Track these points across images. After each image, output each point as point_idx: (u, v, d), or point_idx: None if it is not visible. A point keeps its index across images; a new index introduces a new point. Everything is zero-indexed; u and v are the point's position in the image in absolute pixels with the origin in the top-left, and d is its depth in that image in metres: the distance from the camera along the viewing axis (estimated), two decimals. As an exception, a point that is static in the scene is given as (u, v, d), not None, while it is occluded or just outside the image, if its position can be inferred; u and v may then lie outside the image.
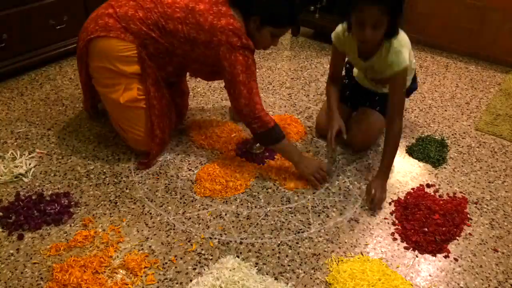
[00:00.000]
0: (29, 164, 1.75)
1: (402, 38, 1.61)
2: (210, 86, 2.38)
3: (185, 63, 1.74)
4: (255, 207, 1.62)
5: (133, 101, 1.69)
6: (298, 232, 1.52)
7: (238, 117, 1.77)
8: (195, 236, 1.49)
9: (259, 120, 1.63)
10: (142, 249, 1.44)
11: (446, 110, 2.28)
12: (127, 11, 1.63)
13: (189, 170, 1.78)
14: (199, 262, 1.40)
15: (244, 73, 1.60)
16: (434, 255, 1.46)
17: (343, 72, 1.95)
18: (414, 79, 1.95)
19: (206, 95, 2.31)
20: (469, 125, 2.17)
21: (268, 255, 1.43)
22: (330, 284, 1.34)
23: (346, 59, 1.85)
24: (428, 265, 1.43)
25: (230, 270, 1.34)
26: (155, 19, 1.61)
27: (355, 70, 1.96)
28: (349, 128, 1.84)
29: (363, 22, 1.48)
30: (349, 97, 1.97)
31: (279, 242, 1.48)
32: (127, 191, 1.67)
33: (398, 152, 1.91)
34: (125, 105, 1.68)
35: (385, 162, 1.66)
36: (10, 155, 1.80)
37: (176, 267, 1.38)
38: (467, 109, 2.30)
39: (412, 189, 1.73)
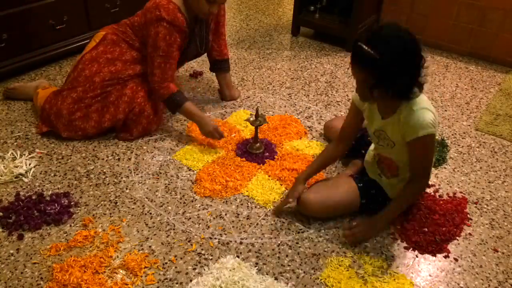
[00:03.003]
0: (29, 164, 1.75)
1: (423, 103, 1.35)
2: (210, 86, 2.38)
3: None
4: (255, 207, 1.62)
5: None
6: (298, 232, 1.52)
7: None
8: (195, 236, 1.49)
9: (158, 89, 1.84)
10: (142, 249, 1.44)
11: (446, 110, 2.28)
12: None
13: (189, 170, 1.78)
14: (199, 262, 1.40)
15: (151, 46, 1.80)
16: (434, 255, 1.46)
17: None
18: None
19: (206, 95, 2.31)
20: (469, 125, 2.17)
21: (268, 255, 1.43)
22: (331, 286, 1.34)
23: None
24: (428, 265, 1.43)
25: (230, 270, 1.34)
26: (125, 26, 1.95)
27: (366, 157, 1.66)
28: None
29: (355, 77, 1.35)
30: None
31: (279, 242, 1.48)
32: (127, 191, 1.67)
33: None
34: None
35: (393, 207, 1.46)
36: (10, 155, 1.80)
37: (176, 267, 1.38)
38: (467, 109, 2.30)
39: (412, 189, 1.73)
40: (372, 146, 1.63)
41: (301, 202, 1.53)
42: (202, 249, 1.44)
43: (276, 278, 1.35)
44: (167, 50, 1.79)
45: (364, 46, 1.24)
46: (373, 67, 1.25)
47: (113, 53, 1.91)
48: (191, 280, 1.33)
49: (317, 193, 1.53)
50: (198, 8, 1.79)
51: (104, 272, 1.35)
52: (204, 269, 1.37)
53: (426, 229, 1.52)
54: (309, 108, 2.23)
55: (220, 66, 2.18)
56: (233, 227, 1.53)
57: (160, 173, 1.76)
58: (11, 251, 1.41)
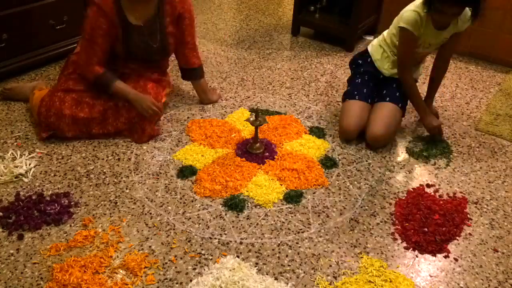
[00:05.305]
0: (29, 164, 1.75)
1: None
2: (209, 87, 2.38)
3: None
4: (255, 207, 1.62)
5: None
6: (298, 232, 1.52)
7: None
8: (195, 236, 1.49)
9: (85, 73, 1.85)
10: (142, 249, 1.44)
11: (446, 110, 2.28)
12: None
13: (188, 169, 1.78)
14: (199, 262, 1.40)
15: (81, 29, 1.82)
16: (434, 255, 1.46)
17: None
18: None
19: (206, 95, 2.31)
20: (469, 125, 2.17)
21: (268, 255, 1.43)
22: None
23: None
24: (428, 265, 1.43)
25: (230, 270, 1.34)
26: None
27: (380, 62, 2.06)
28: (368, 123, 1.95)
29: (454, 15, 1.76)
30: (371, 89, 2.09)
31: (279, 242, 1.48)
32: (127, 191, 1.67)
33: (398, 151, 1.92)
34: None
35: (434, 90, 2.10)
36: (10, 155, 1.80)
37: (176, 267, 1.38)
38: (467, 109, 2.30)
39: (412, 189, 1.73)
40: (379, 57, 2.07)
41: (370, 139, 1.91)
42: (202, 249, 1.44)
43: (276, 278, 1.35)
44: (91, 33, 1.80)
45: None
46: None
47: None
48: (191, 280, 1.33)
49: (380, 127, 1.89)
50: None
51: (104, 272, 1.35)
52: (204, 269, 1.37)
53: (426, 229, 1.52)
54: (309, 108, 2.23)
55: (189, 74, 2.15)
56: (233, 227, 1.53)
57: (160, 173, 1.76)
58: (11, 251, 1.41)
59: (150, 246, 1.45)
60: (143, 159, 1.83)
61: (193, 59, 2.08)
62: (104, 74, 1.86)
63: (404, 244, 1.50)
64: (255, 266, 1.39)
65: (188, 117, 2.12)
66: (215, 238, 1.48)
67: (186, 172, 1.75)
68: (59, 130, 1.88)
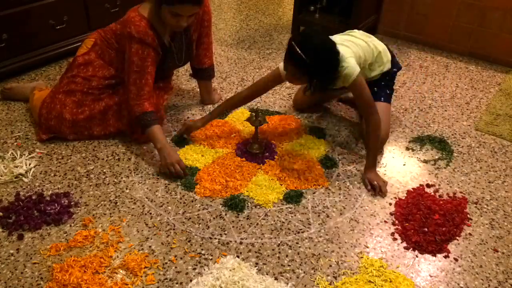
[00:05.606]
0: (29, 164, 1.75)
1: (341, 56, 1.66)
2: (210, 86, 2.38)
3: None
4: (255, 207, 1.62)
5: None
6: (298, 232, 1.52)
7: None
8: (195, 236, 1.49)
9: (133, 106, 1.77)
10: (142, 249, 1.44)
11: (446, 110, 2.28)
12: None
13: (189, 170, 1.78)
14: (199, 262, 1.40)
15: (126, 62, 1.77)
16: (434, 255, 1.46)
17: None
18: (393, 62, 1.96)
19: (206, 95, 2.31)
20: (469, 125, 2.17)
21: (268, 255, 1.43)
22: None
23: None
24: (428, 265, 1.43)
25: (230, 270, 1.34)
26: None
27: None
28: (362, 130, 1.98)
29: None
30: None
31: (279, 242, 1.48)
32: (127, 191, 1.67)
33: (398, 152, 1.92)
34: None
35: (372, 154, 1.76)
36: (10, 155, 1.80)
37: (176, 267, 1.38)
38: (467, 109, 2.30)
39: (412, 189, 1.73)
40: None
41: (382, 141, 1.89)
42: (202, 249, 1.44)
43: (276, 278, 1.35)
44: (141, 64, 1.74)
45: (297, 49, 1.54)
46: (303, 67, 1.58)
47: (104, 58, 1.91)
48: (191, 280, 1.33)
49: (384, 131, 1.86)
50: (167, 22, 1.72)
51: (104, 272, 1.35)
52: (204, 269, 1.37)
53: (426, 229, 1.52)
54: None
55: (199, 74, 2.14)
56: (233, 227, 1.53)
57: (161, 173, 1.76)
58: (11, 251, 1.41)
59: (150, 246, 1.45)
60: (143, 159, 1.83)
61: (205, 58, 2.08)
62: (150, 114, 1.76)
63: (404, 244, 1.50)
64: (255, 266, 1.39)
65: (188, 117, 2.12)
66: (215, 238, 1.48)
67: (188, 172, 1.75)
68: (60, 133, 1.88)
